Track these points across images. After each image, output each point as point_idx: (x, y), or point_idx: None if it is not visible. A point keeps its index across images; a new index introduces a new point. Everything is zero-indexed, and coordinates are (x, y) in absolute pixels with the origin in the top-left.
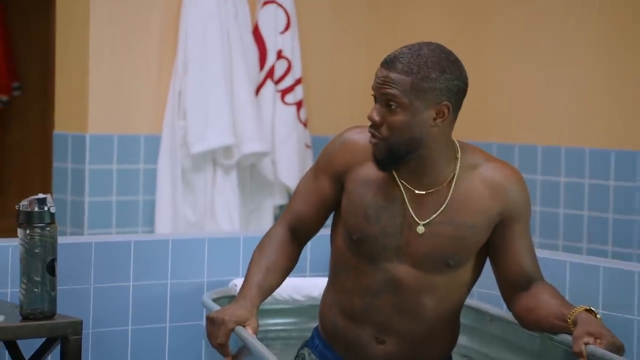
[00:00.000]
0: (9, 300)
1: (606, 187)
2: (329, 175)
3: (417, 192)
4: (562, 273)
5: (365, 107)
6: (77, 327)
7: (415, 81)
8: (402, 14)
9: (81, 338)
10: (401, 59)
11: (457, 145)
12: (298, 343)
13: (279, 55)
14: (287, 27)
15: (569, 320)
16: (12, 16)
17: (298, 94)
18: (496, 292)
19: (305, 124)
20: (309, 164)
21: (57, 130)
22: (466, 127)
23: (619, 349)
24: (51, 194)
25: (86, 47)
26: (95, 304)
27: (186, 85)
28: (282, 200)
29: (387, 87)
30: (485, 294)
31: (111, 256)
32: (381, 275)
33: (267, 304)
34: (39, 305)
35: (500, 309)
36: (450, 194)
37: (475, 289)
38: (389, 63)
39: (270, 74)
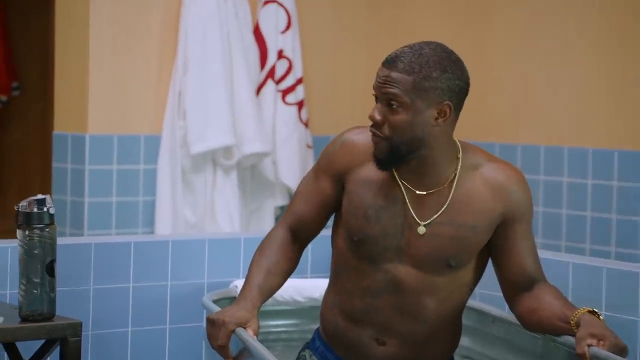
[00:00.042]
0: (7, 301)
1: (609, 188)
2: (330, 175)
3: (418, 192)
4: (564, 274)
5: (366, 107)
6: (76, 328)
7: (416, 80)
8: (402, 14)
9: (80, 340)
10: (403, 58)
11: (459, 145)
12: (299, 345)
13: (280, 55)
14: (288, 27)
15: (571, 322)
16: (12, 16)
17: (299, 93)
18: (498, 293)
19: (306, 124)
20: (310, 164)
21: (57, 131)
22: (468, 127)
23: (622, 351)
24: (50, 194)
25: (86, 47)
26: (94, 305)
27: (186, 85)
28: (283, 201)
29: (388, 86)
30: (488, 295)
31: (111, 257)
32: (382, 276)
33: (268, 305)
34: (38, 306)
35: (503, 310)
36: (451, 194)
37: (477, 290)
38: (390, 62)
39: (271, 73)
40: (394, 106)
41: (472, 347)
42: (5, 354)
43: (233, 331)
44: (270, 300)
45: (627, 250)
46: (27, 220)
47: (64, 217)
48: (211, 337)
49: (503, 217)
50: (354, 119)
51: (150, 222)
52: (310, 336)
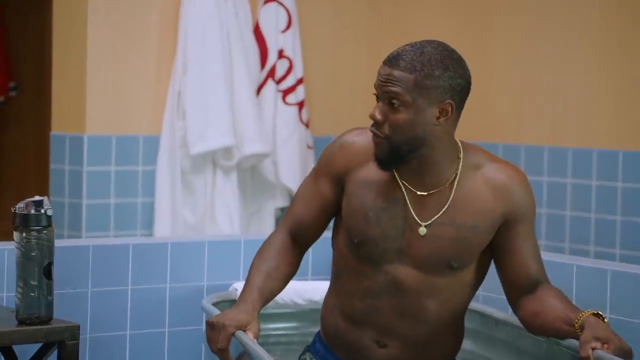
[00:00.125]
0: (4, 304)
1: (614, 189)
2: (329, 177)
3: (418, 193)
4: (569, 276)
5: (366, 106)
6: (74, 331)
7: (418, 79)
8: (402, 13)
9: (78, 343)
10: (404, 57)
11: (460, 145)
12: (299, 348)
13: (280, 54)
14: (288, 26)
15: (576, 325)
16: (9, 16)
17: (299, 94)
18: (501, 295)
19: (306, 125)
20: (311, 165)
21: (54, 131)
22: (471, 128)
23: (627, 354)
24: (48, 196)
25: (84, 47)
26: (92, 308)
27: (186, 85)
28: (283, 202)
29: (390, 84)
30: (490, 298)
31: (109, 259)
32: (382, 277)
33: (269, 308)
34: (35, 309)
35: (506, 313)
36: (452, 195)
37: (480, 292)
38: (392, 61)
39: (271, 73)
40: (396, 105)
41: (475, 350)
42: (2, 357)
43: (233, 334)
44: (270, 302)
45: (632, 252)
46: (25, 222)
47: (62, 219)
48: (211, 341)
49: (505, 218)
50: (355, 119)
51: (149, 224)
52: (310, 339)
